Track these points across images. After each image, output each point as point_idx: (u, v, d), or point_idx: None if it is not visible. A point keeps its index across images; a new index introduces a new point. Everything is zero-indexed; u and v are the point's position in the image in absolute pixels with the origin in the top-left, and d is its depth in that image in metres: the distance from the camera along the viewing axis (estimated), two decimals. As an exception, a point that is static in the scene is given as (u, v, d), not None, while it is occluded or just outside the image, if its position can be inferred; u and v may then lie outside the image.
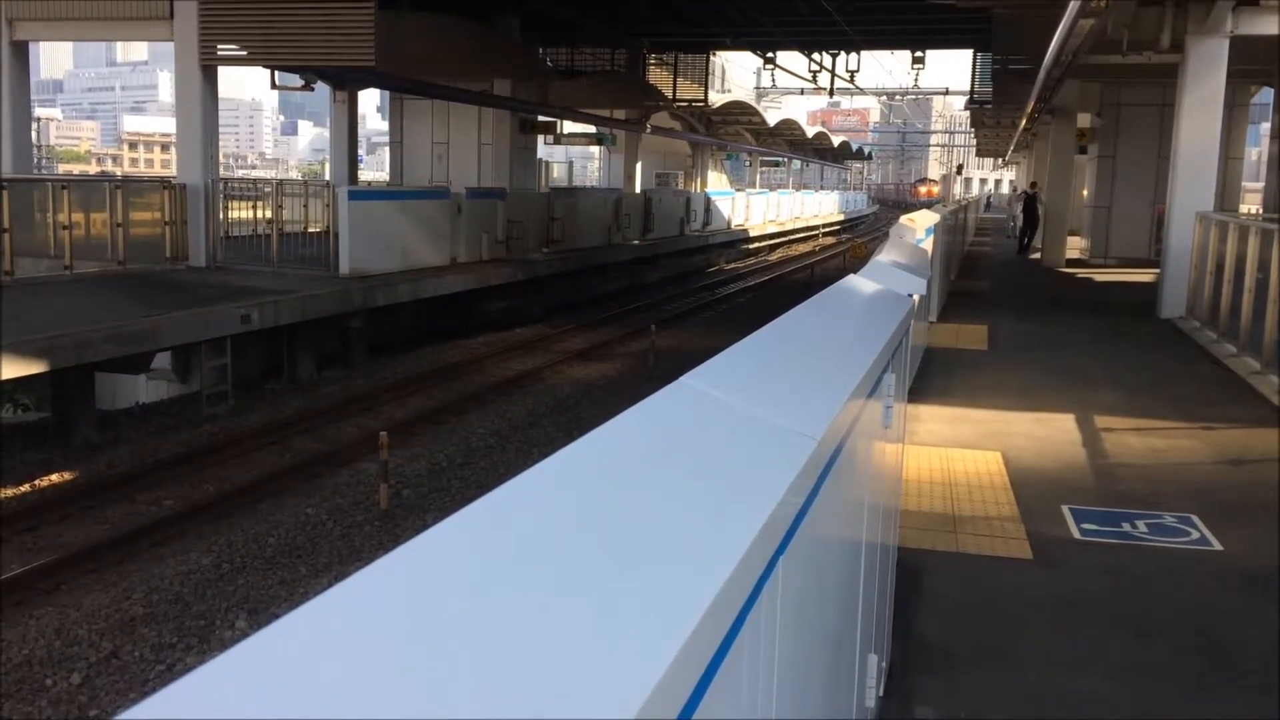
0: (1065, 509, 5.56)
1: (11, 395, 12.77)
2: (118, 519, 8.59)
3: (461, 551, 0.89)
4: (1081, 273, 21.21)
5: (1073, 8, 11.53)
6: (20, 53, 17.11)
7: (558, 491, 1.09)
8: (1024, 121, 28.30)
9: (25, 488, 9.25)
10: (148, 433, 11.04)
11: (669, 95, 33.94)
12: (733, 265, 33.95)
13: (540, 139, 29.44)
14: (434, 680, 0.67)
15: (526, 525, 0.98)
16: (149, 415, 11.88)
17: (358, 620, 0.73)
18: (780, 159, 56.56)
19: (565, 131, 30.51)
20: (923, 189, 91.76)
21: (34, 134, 24.72)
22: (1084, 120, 24.35)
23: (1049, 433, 7.31)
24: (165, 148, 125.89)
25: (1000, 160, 71.39)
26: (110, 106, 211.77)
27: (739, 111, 43.29)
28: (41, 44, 18.98)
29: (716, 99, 39.35)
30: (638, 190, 32.68)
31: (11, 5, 16.58)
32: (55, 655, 6.31)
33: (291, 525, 8.57)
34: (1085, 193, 26.39)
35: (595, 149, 36.83)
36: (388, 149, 30.21)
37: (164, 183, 16.04)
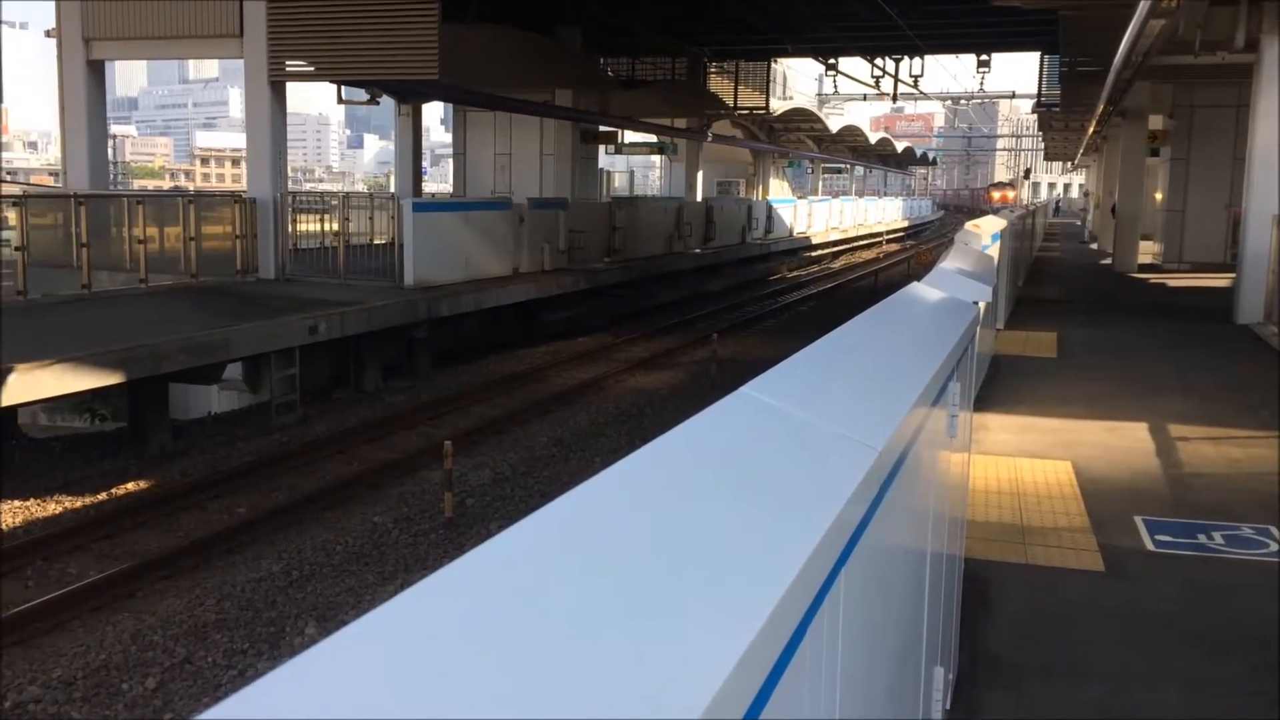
0: (1138, 520, 5.45)
1: (89, 405, 13.13)
2: (191, 526, 8.78)
3: (527, 559, 0.90)
4: (1154, 278, 20.77)
5: (1143, 8, 11.32)
6: (97, 71, 17.60)
7: (621, 500, 1.10)
8: (1093, 124, 27.82)
9: (103, 496, 9.49)
10: (220, 442, 11.27)
11: (730, 103, 33.91)
12: (795, 273, 33.78)
13: (601, 149, 29.62)
14: (502, 681, 0.68)
15: (590, 533, 0.98)
16: (221, 425, 12.14)
17: (426, 626, 0.74)
18: (843, 165, 56.21)
19: (626, 141, 30.66)
20: (996, 194, 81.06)
21: (110, 151, 25.42)
22: (1155, 122, 23.86)
23: (1121, 442, 7.16)
24: (236, 162, 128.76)
25: (1069, 164, 70.23)
26: (183, 123, 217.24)
27: (801, 118, 43.12)
28: (117, 63, 19.50)
29: (778, 106, 39.25)
30: (699, 199, 32.70)
31: (89, 25, 17.08)
32: (131, 660, 6.47)
33: (359, 533, 8.69)
34: (1158, 196, 25.87)
35: (656, 158, 36.91)
36: (451, 161, 30.58)
37: (234, 197, 16.40)
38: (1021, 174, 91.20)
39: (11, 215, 14.01)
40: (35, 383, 9.15)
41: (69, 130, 17.48)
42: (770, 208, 35.55)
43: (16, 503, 9.21)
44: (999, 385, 8.93)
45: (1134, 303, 16.78)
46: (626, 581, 0.89)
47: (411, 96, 22.42)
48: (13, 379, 8.92)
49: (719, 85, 33.97)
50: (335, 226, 16.41)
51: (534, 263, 18.83)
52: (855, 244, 46.37)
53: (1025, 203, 55.14)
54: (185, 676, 6.35)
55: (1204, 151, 22.81)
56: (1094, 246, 33.46)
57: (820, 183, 54.97)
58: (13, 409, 10.40)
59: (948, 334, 3.06)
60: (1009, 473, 6.32)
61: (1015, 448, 6.93)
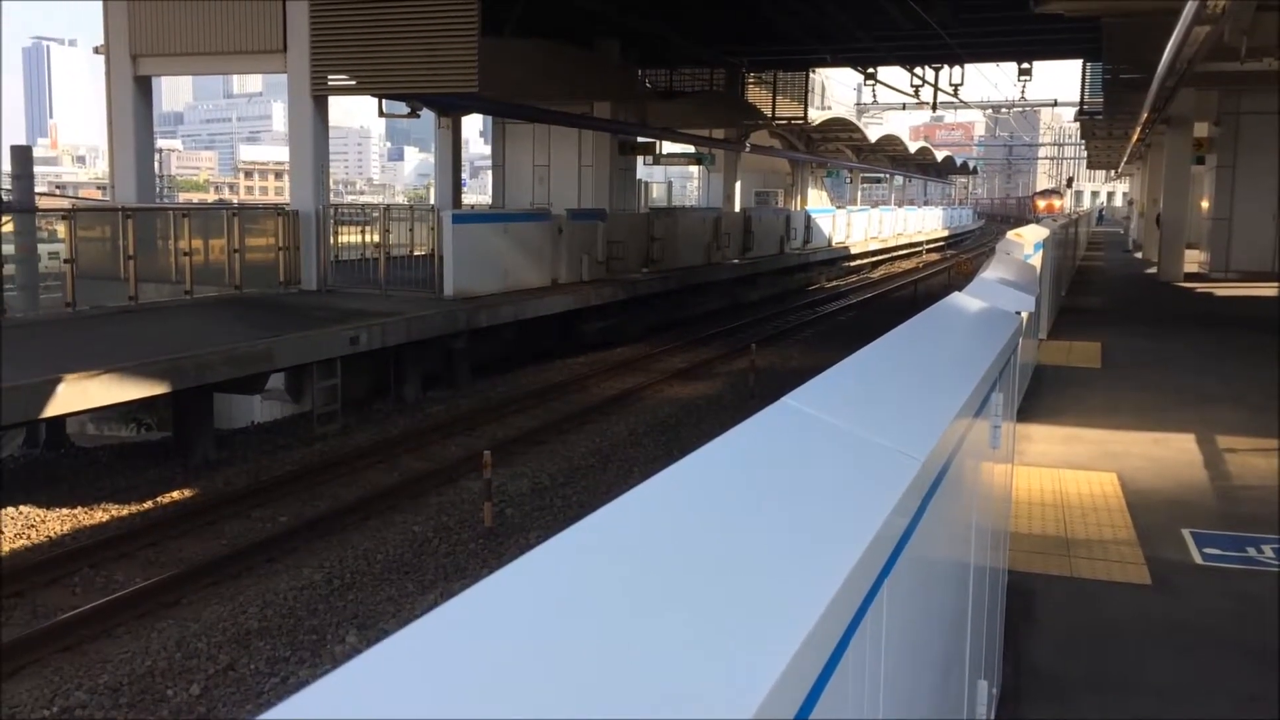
0: (1186, 532, 5.36)
1: (136, 415, 13.32)
2: (234, 535, 8.88)
3: (572, 567, 0.90)
4: (1200, 287, 20.47)
5: (1187, 14, 11.17)
6: (144, 87, 17.89)
7: (661, 511, 1.10)
8: (1137, 132, 27.48)
9: (148, 504, 9.62)
10: (262, 451, 11.39)
11: (768, 113, 33.87)
12: (834, 283, 33.63)
13: (639, 160, 29.68)
14: (551, 686, 0.68)
15: (632, 544, 0.99)
16: (263, 434, 12.26)
17: (472, 632, 0.75)
18: (882, 175, 55.96)
19: (664, 152, 30.71)
20: (1042, 202, 76.35)
21: (156, 164, 25.82)
22: (1201, 130, 23.55)
23: (1168, 453, 7.06)
24: (279, 175, 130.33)
25: (1113, 172, 69.42)
26: (227, 137, 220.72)
27: (839, 128, 42.99)
28: (163, 78, 19.75)
29: (816, 116, 39.14)
30: (737, 209, 32.66)
31: (136, 42, 17.38)
32: (176, 667, 6.54)
33: (399, 542, 8.74)
34: (1204, 204, 25.53)
35: (694, 169, 36.96)
36: (490, 172, 30.77)
37: (278, 209, 16.59)
38: (1064, 182, 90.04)
39: (60, 228, 14.27)
40: (83, 392, 9.30)
41: (116, 144, 17.79)
42: (809, 217, 35.43)
43: (64, 510, 9.36)
44: (1042, 396, 8.84)
45: (1179, 312, 16.54)
46: (675, 589, 0.89)
47: (451, 109, 22.61)
48: (62, 389, 9.08)
49: (757, 95, 33.94)
50: (376, 238, 16.57)
51: (572, 273, 18.89)
52: (895, 253, 46.09)
53: (1069, 211, 54.56)
54: (229, 683, 6.42)
55: (1251, 159, 22.47)
56: (1138, 255, 33.06)
57: (859, 192, 54.75)
58: (62, 418, 10.60)
59: (990, 344, 3.04)
60: (1053, 484, 6.25)
61: (1059, 459, 6.85)
